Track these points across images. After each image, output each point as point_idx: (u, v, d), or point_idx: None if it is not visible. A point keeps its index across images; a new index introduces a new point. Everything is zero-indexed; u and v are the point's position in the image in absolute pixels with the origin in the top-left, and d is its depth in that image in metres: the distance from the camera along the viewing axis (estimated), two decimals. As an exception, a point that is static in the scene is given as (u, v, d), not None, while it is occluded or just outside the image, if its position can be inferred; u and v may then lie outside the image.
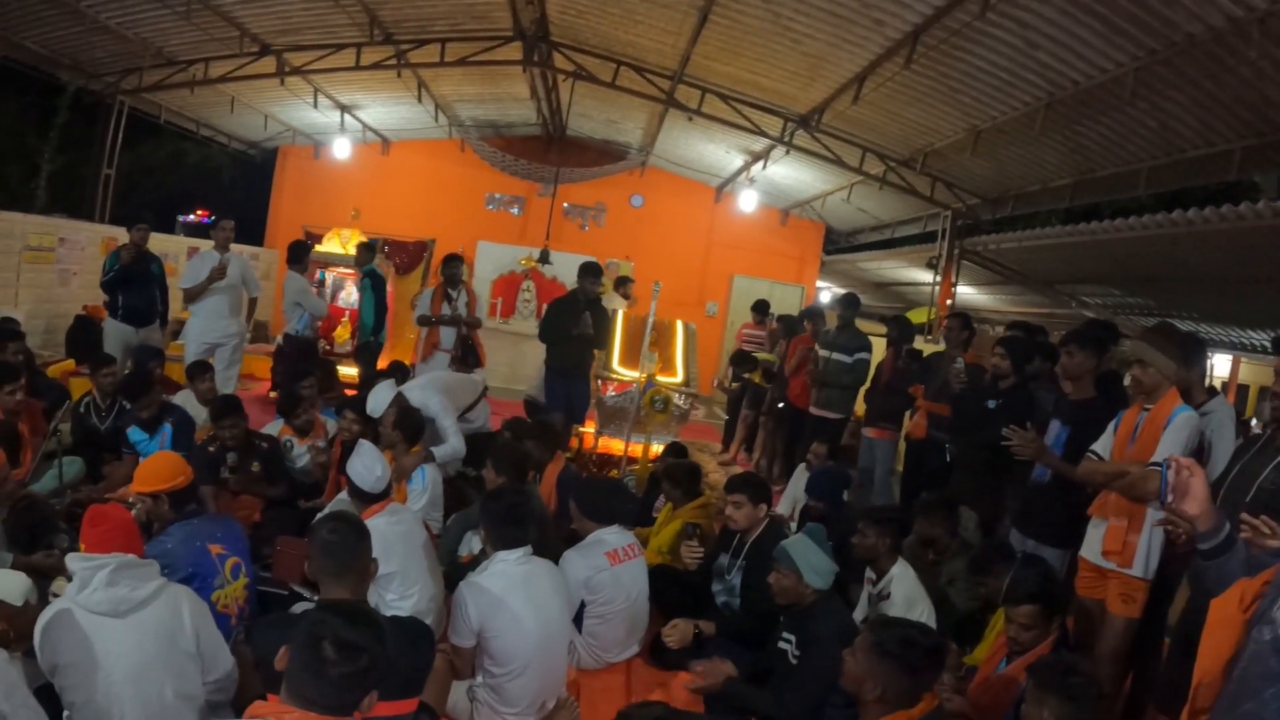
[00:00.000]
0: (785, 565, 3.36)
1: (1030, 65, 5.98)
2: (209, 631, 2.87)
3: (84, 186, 11.27)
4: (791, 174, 11.54)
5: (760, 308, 9.87)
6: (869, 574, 4.03)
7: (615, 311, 8.03)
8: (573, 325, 6.86)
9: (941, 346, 7.20)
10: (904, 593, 3.77)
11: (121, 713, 2.64)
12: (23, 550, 3.97)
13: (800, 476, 5.96)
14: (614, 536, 3.99)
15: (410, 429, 5.03)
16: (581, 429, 7.58)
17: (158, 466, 3.58)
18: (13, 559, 3.81)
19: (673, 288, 9.63)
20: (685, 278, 12.81)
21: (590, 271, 7.07)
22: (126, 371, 6.02)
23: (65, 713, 2.70)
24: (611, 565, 3.87)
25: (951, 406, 5.48)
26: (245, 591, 3.45)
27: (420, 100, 11.06)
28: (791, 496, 6.06)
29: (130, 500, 3.46)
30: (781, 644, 3.39)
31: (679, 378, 7.69)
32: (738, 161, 11.75)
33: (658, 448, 6.99)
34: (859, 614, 3.91)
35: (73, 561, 2.75)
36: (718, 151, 11.62)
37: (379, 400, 5.23)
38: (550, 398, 7.10)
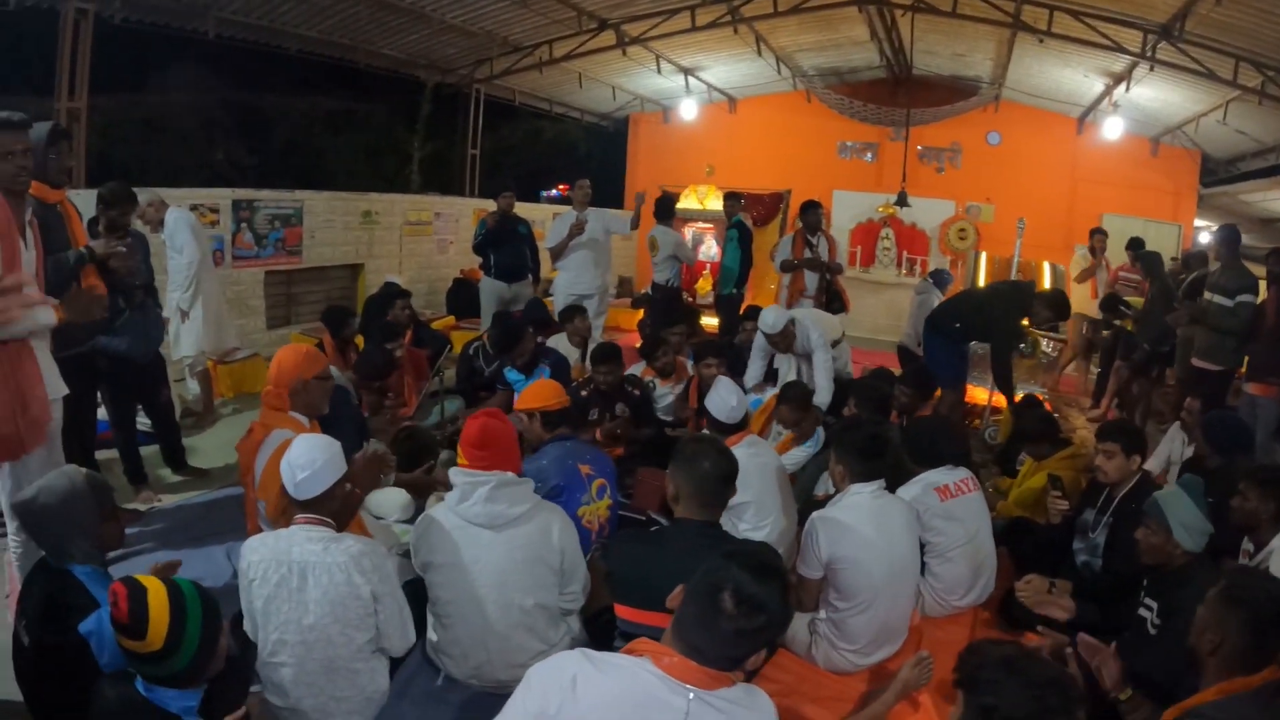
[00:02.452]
0: (1155, 519, 3.04)
1: None
2: (573, 550, 3.12)
3: (452, 168, 12.87)
4: (1158, 95, 10.08)
5: (1136, 245, 8.61)
6: (1246, 544, 3.50)
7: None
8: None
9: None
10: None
11: (483, 613, 2.97)
12: (405, 471, 4.76)
13: (1175, 436, 5.37)
14: (942, 474, 3.89)
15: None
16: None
17: (538, 389, 4.02)
18: (394, 477, 4.56)
19: (1037, 229, 8.99)
20: (1050, 219, 11.67)
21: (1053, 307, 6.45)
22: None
23: (430, 605, 3.11)
24: (942, 500, 3.78)
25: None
26: (608, 512, 3.81)
27: (760, 54, 11.15)
28: (1164, 456, 5.47)
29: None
30: (1142, 611, 3.07)
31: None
32: (1098, 86, 10.53)
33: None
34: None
35: (456, 475, 3.07)
36: (1075, 76, 10.46)
37: (774, 318, 5.42)
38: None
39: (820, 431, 5.08)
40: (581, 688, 1.80)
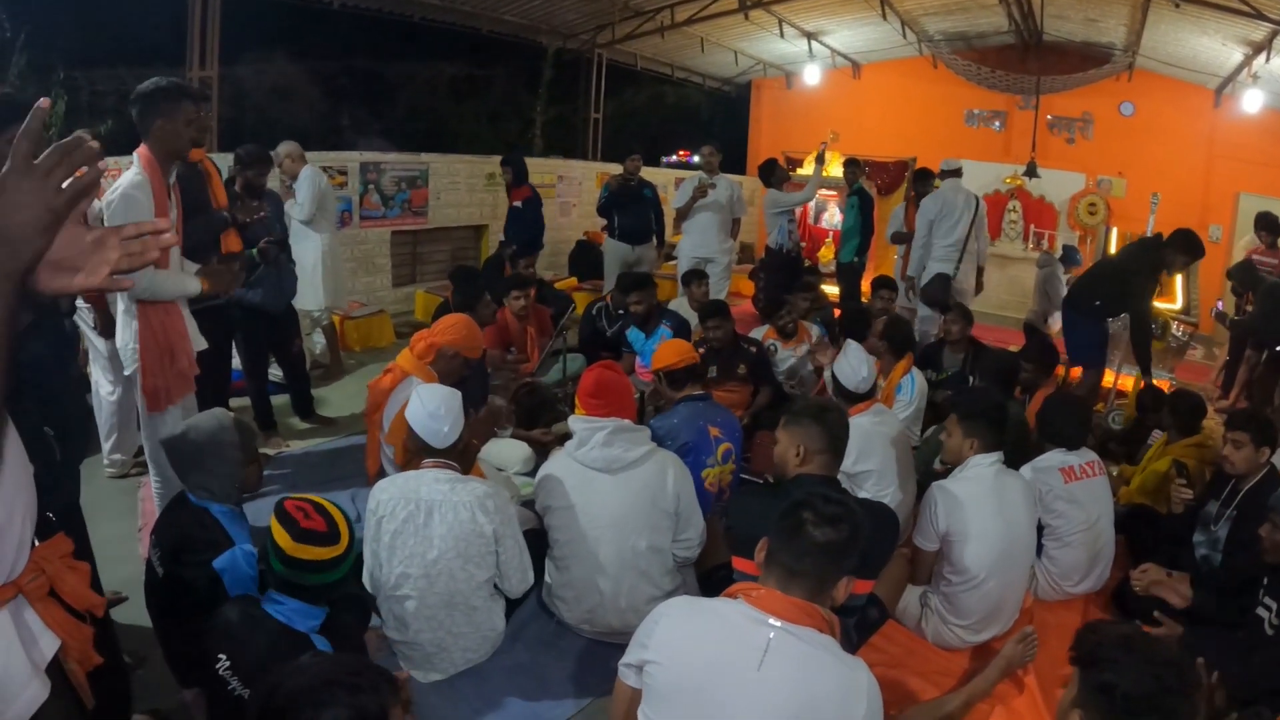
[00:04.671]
0: None
1: None
2: (688, 496, 3.20)
3: (574, 132, 12.96)
4: (1301, 67, 9.34)
5: (1268, 224, 7.68)
6: None
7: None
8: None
9: None
10: None
11: (598, 554, 3.10)
12: (525, 426, 4.90)
13: None
14: (1069, 455, 3.78)
15: (898, 339, 5.08)
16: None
17: (663, 349, 4.08)
18: (512, 431, 4.70)
19: (1170, 206, 8.52)
20: (1184, 195, 10.96)
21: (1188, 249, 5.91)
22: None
23: (549, 550, 3.24)
24: (1066, 483, 3.68)
25: None
26: (731, 476, 3.86)
27: (885, 18, 10.80)
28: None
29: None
30: (1261, 610, 2.93)
31: (1178, 304, 6.91)
32: (1236, 56, 9.72)
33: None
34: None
35: (575, 422, 3.22)
36: (1212, 45, 9.69)
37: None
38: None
39: (914, 378, 5.00)
40: (667, 623, 1.94)
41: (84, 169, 1.13)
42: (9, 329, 1.12)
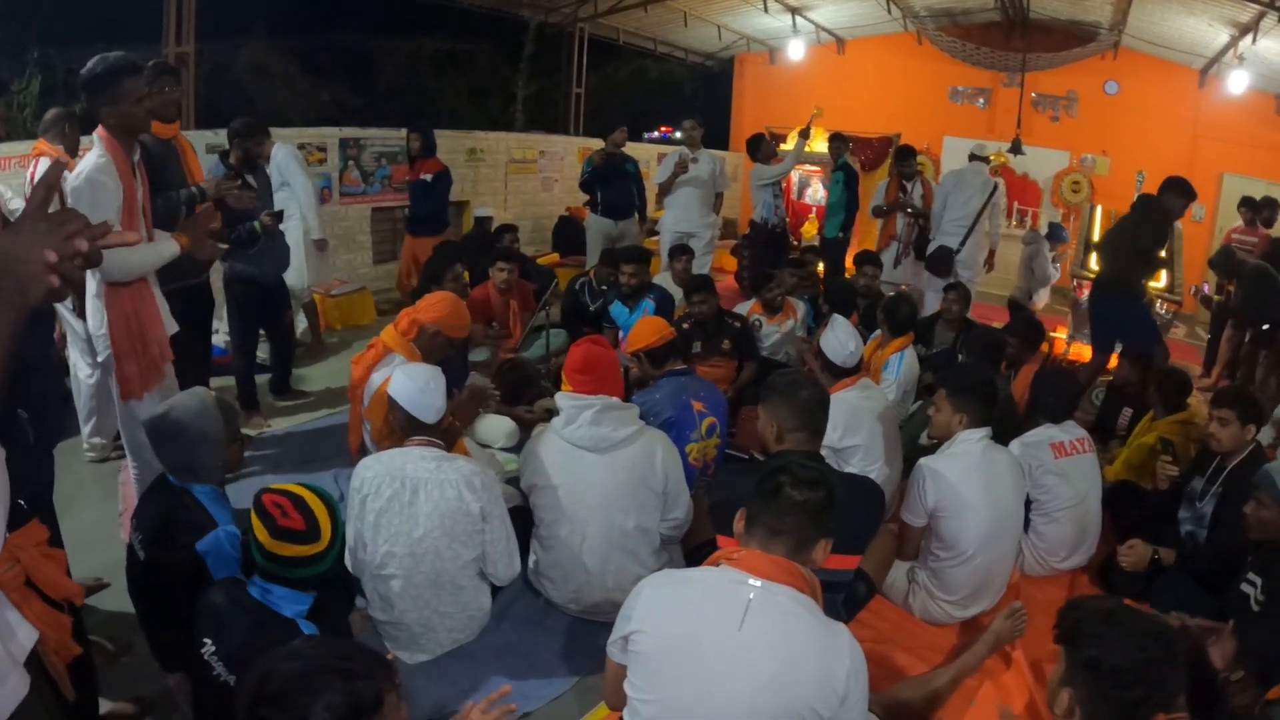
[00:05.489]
0: (1267, 492, 2.89)
1: None
2: (676, 475, 3.18)
3: (556, 107, 12.86)
4: (1285, 48, 9.31)
5: (1250, 205, 7.91)
6: None
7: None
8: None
9: None
10: None
11: (585, 534, 3.07)
12: (508, 402, 4.87)
13: None
14: (1059, 431, 3.80)
15: (898, 319, 5.02)
16: (1053, 334, 7.11)
17: (639, 329, 4.06)
18: (496, 408, 4.65)
19: (1155, 186, 8.49)
20: (1168, 175, 11.05)
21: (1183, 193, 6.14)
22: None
23: (534, 529, 3.21)
24: (1056, 458, 3.70)
25: None
26: (715, 451, 3.84)
27: (871, -7, 10.80)
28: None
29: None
30: (1245, 586, 2.91)
31: (1162, 282, 6.93)
32: (1222, 37, 9.69)
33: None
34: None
35: (562, 399, 3.16)
36: (1198, 25, 9.66)
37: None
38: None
39: (904, 356, 4.97)
40: (649, 591, 1.95)
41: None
42: (7, 356, 1.17)
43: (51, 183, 1.17)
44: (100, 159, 3.17)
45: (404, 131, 8.10)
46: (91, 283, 3.34)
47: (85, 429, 4.44)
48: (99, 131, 3.23)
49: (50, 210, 1.16)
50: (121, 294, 3.30)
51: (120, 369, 3.33)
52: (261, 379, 5.51)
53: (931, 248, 7.43)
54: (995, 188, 7.37)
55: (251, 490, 2.31)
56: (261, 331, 5.45)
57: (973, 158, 7.59)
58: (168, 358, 3.47)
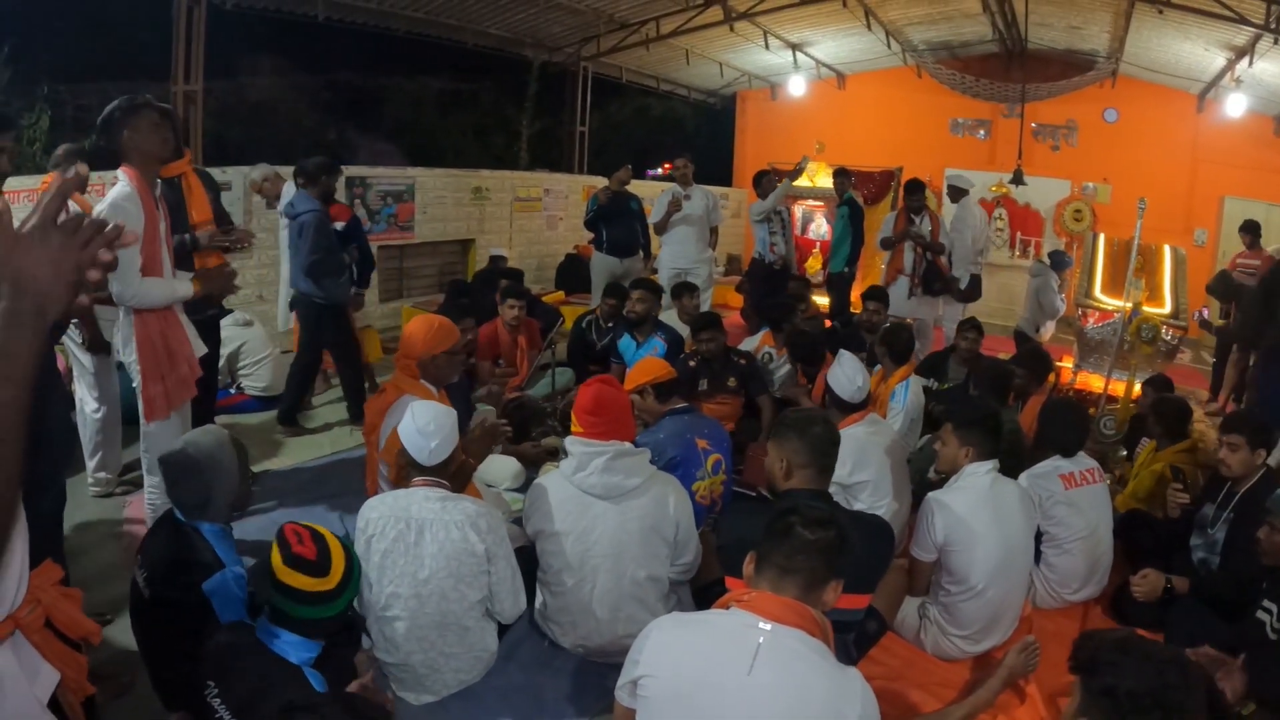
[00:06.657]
0: (1278, 517, 2.90)
1: None
2: (688, 522, 3.12)
3: (560, 145, 12.98)
4: (1283, 71, 9.35)
5: (1249, 227, 8.13)
6: None
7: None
8: None
9: None
10: None
11: (594, 583, 3.00)
12: (514, 440, 4.85)
13: None
14: (1069, 462, 3.77)
15: (898, 347, 4.99)
16: (1059, 363, 7.05)
17: (642, 366, 4.05)
18: (503, 447, 4.61)
19: (1155, 212, 8.51)
20: (1169, 201, 10.95)
21: None
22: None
23: (540, 573, 3.14)
24: (1066, 489, 3.67)
25: None
26: (722, 487, 3.82)
27: (869, 28, 10.86)
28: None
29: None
30: (1260, 614, 2.89)
31: (1166, 308, 6.92)
32: (1219, 61, 9.79)
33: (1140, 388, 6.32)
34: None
35: (572, 444, 3.09)
36: (1195, 50, 9.75)
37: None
38: None
39: (909, 385, 4.95)
40: (657, 635, 1.94)
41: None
42: (31, 380, 1.10)
43: (67, 193, 1.12)
44: (125, 188, 3.29)
45: (408, 169, 8.16)
46: (121, 311, 3.47)
47: (90, 463, 4.44)
48: (122, 168, 3.36)
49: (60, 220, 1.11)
50: (146, 316, 3.42)
51: (145, 389, 3.44)
52: (261, 417, 5.57)
53: (962, 278, 7.78)
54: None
55: (254, 526, 2.31)
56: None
57: (957, 190, 8.08)
58: (197, 373, 3.59)
